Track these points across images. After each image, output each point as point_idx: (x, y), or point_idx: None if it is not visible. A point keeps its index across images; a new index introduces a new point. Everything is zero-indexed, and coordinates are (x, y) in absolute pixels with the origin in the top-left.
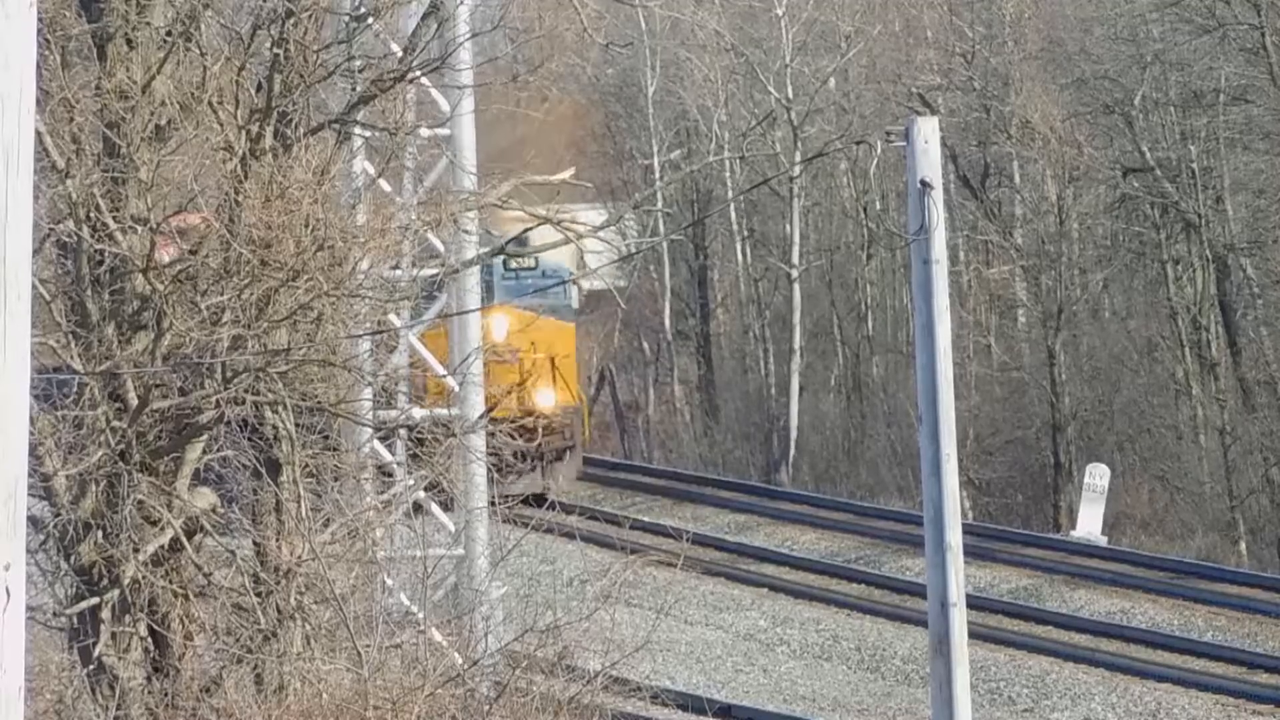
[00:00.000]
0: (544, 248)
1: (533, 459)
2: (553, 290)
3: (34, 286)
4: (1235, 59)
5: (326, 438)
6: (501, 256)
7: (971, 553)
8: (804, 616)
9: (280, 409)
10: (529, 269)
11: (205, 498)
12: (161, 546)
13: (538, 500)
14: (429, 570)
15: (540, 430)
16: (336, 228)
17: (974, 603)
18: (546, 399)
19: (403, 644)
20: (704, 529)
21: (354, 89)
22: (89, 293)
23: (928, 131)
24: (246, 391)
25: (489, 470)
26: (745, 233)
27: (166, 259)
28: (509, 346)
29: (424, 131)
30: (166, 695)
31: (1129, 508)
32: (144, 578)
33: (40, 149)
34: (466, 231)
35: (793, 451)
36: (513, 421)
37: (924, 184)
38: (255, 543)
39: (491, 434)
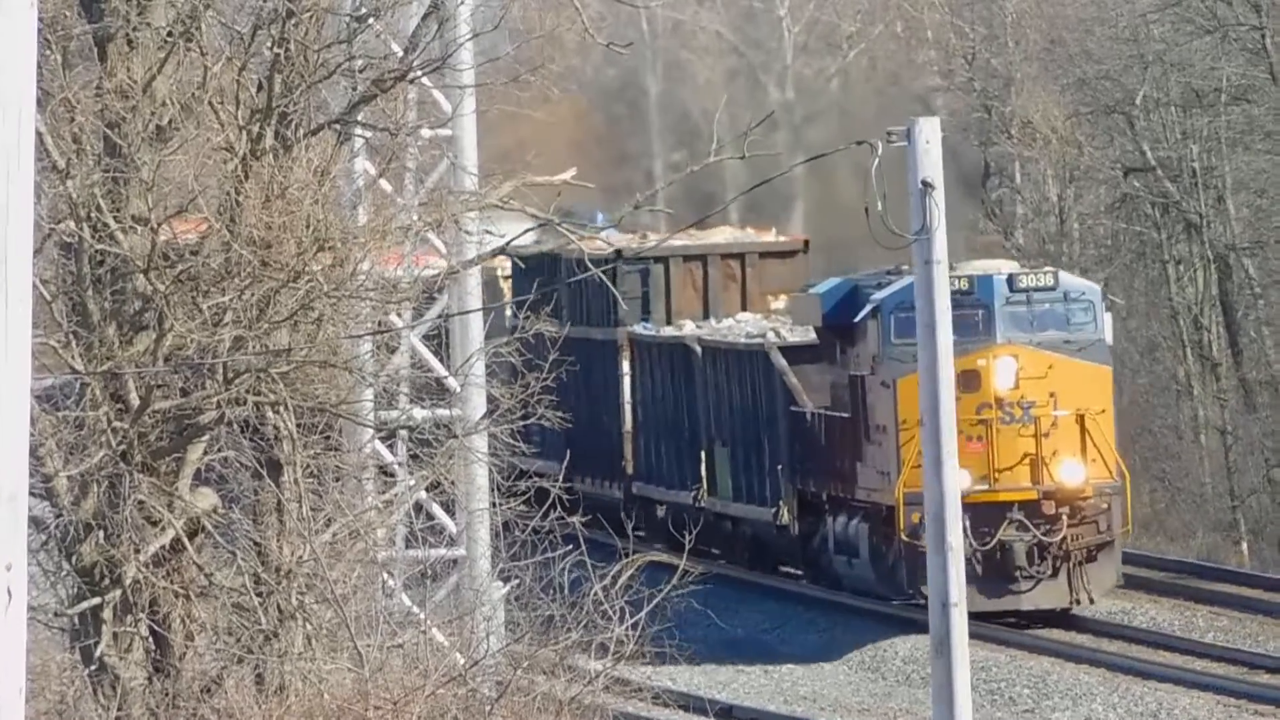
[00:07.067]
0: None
1: (1055, 559)
2: (1078, 321)
3: (34, 287)
4: (1236, 59)
5: (328, 438)
6: (1007, 275)
7: None
8: (804, 617)
9: (281, 409)
10: (1044, 289)
11: (206, 498)
12: (163, 547)
13: (1062, 614)
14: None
15: (1065, 518)
16: (337, 228)
17: None
18: (1074, 473)
19: (404, 644)
20: None
21: (355, 89)
22: (90, 293)
23: (929, 132)
24: (248, 392)
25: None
26: None
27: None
28: (1020, 399)
29: (425, 132)
30: (168, 695)
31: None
32: (145, 578)
33: (41, 149)
34: (467, 232)
35: None
36: (1026, 505)
37: (925, 184)
38: (256, 543)
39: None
